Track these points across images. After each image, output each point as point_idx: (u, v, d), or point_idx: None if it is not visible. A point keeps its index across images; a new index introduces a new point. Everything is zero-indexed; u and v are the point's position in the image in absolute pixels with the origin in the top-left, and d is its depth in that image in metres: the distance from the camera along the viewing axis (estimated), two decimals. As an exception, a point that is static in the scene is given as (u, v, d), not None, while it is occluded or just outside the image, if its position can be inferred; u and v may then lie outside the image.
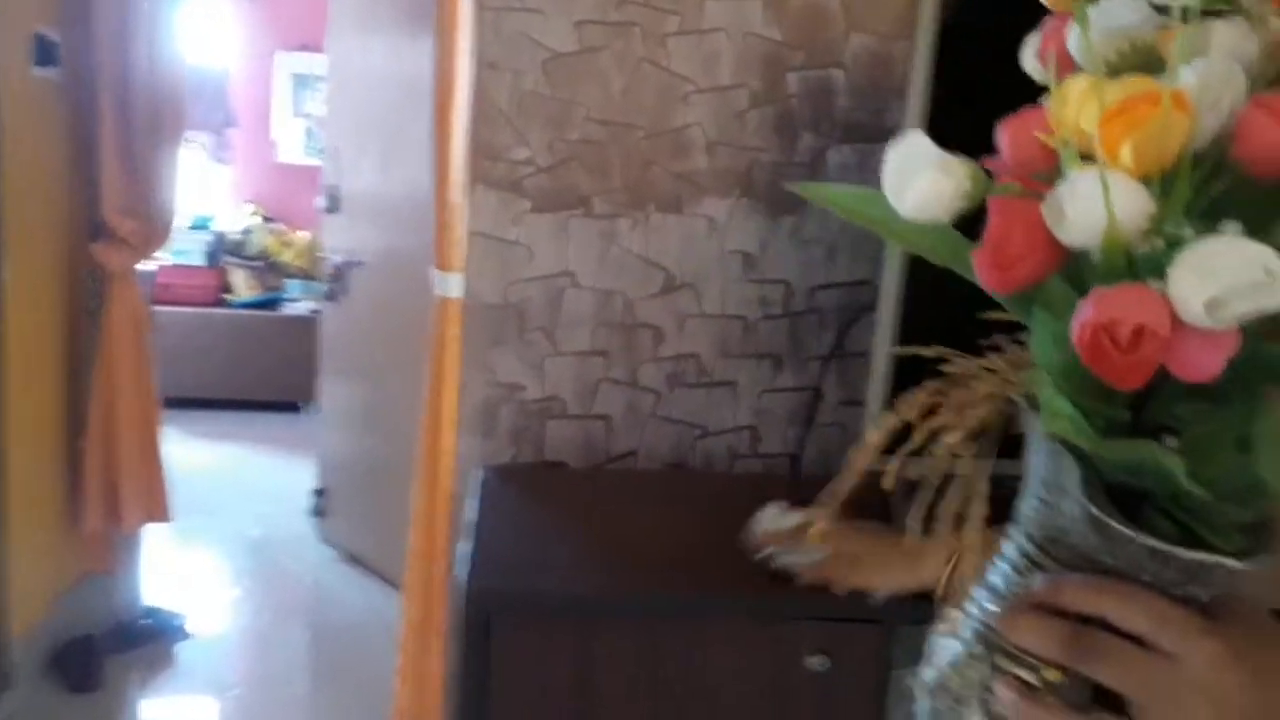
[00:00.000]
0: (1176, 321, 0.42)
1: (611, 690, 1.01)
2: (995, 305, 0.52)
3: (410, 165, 3.24)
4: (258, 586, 3.44)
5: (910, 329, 1.19)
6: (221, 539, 3.74)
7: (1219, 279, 0.41)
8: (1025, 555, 0.53)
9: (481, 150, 1.44)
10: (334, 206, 3.64)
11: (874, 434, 0.59)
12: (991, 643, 0.52)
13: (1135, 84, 0.44)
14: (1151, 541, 0.47)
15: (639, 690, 1.02)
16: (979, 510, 0.60)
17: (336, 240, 3.63)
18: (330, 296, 3.67)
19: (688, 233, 1.48)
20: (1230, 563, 0.48)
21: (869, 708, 1.04)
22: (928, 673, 0.56)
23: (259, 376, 5.01)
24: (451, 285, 2.57)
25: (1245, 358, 0.42)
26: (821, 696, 1.03)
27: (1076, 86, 0.46)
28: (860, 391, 1.55)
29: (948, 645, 0.56)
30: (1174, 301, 0.42)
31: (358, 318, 3.60)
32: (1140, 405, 0.47)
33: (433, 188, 2.47)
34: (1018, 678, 0.50)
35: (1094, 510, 0.48)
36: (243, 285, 5.22)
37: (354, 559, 3.58)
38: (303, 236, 5.36)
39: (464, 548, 1.11)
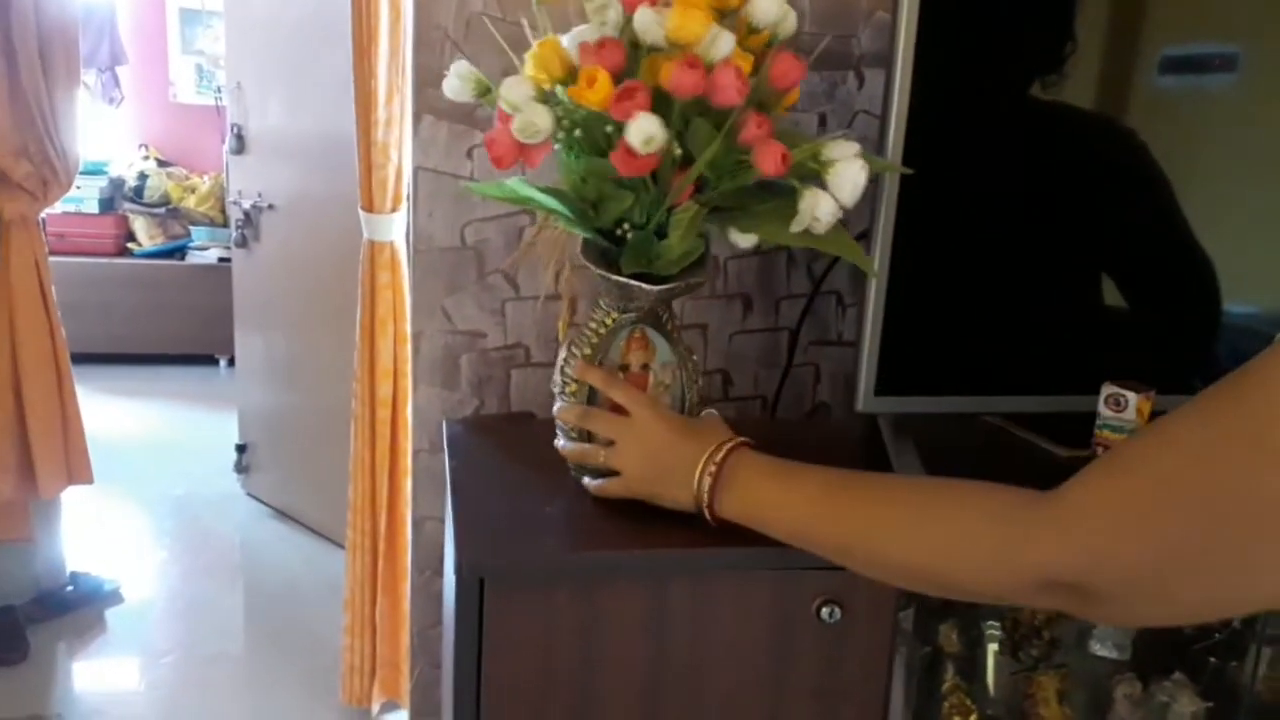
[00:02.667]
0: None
1: (614, 653, 0.96)
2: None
3: (322, 101, 3.06)
4: (185, 547, 3.31)
5: (901, 266, 1.15)
6: (144, 500, 3.57)
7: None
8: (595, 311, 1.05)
9: (427, 79, 1.33)
10: (240, 148, 3.44)
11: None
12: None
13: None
14: (606, 274, 0.99)
15: (643, 652, 0.97)
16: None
17: (244, 183, 3.44)
18: (240, 243, 3.49)
19: (652, 166, 1.40)
20: (646, 287, 0.98)
21: (880, 655, 1.01)
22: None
23: (170, 329, 4.78)
24: (380, 227, 2.45)
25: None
26: (833, 647, 0.99)
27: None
28: (830, 331, 1.51)
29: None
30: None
31: (273, 264, 3.43)
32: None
33: (350, 124, 2.35)
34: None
35: (587, 264, 1.00)
36: (144, 234, 4.94)
37: (283, 514, 3.46)
38: (205, 180, 5.08)
39: (448, 508, 1.04)
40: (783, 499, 0.87)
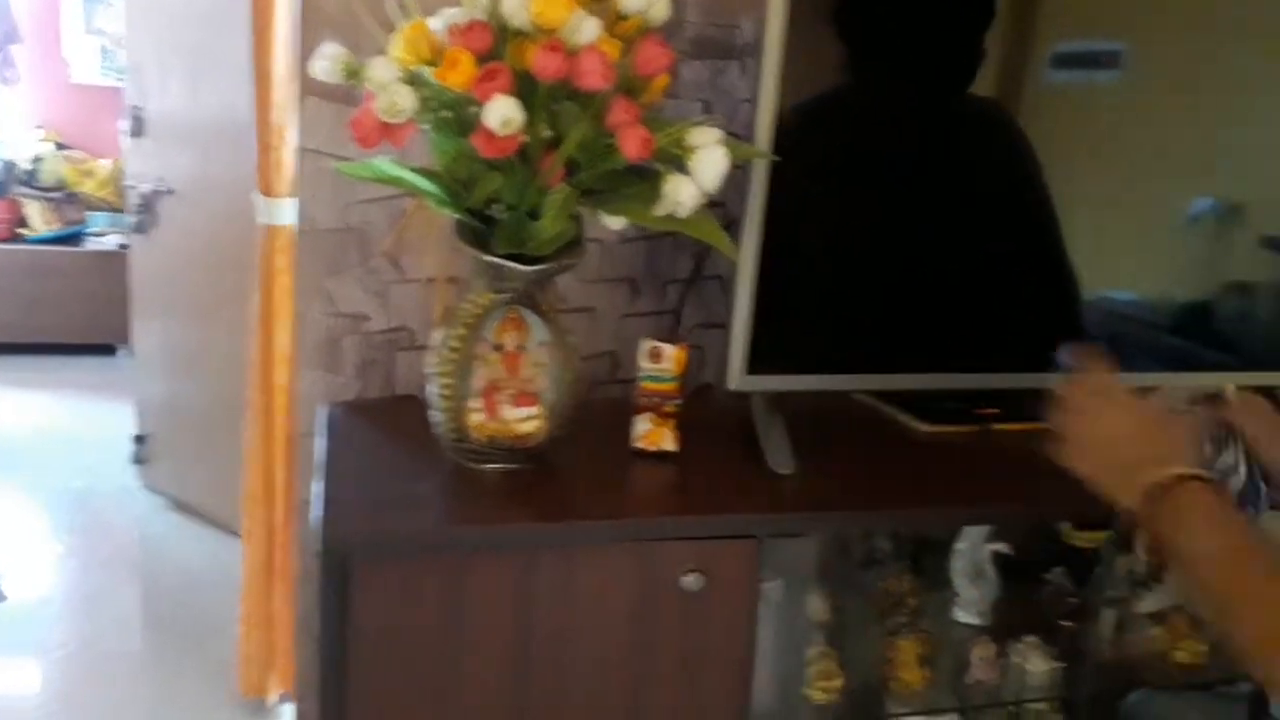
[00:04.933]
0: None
1: (480, 629, 0.98)
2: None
3: (223, 83, 2.99)
4: (82, 541, 3.21)
5: (771, 250, 1.19)
6: (39, 492, 3.46)
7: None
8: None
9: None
10: (139, 130, 3.34)
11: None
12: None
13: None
14: (478, 254, 1.03)
15: (508, 626, 0.99)
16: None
17: (143, 167, 3.35)
18: (139, 229, 3.40)
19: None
20: (519, 267, 1.02)
21: (743, 622, 1.05)
22: None
23: (66, 318, 4.62)
24: (278, 211, 2.42)
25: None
26: (697, 614, 1.03)
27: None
28: (716, 314, 1.55)
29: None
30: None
31: (171, 251, 3.35)
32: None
33: (252, 107, 2.31)
34: None
35: (461, 241, 1.03)
36: (39, 219, 4.77)
37: (182, 506, 3.39)
38: (104, 165, 4.93)
39: (315, 488, 1.04)
40: (1205, 546, 0.86)
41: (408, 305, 1.41)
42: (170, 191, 3.28)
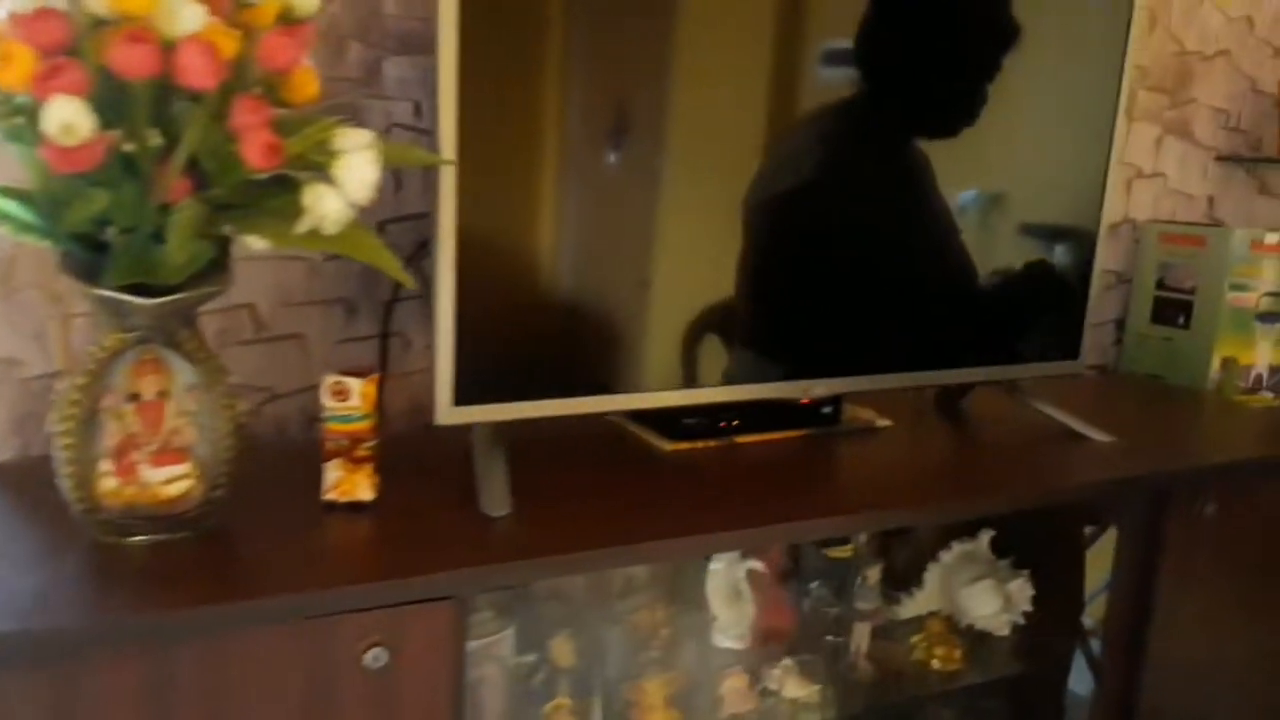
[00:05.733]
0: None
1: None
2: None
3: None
4: None
5: (470, 265, 1.06)
6: None
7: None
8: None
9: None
10: None
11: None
12: None
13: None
14: (88, 288, 0.86)
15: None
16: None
17: None
18: None
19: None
20: (138, 300, 0.86)
21: (441, 697, 0.91)
22: None
23: None
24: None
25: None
26: (384, 696, 0.89)
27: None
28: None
29: None
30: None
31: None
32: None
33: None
34: None
35: (66, 272, 0.87)
36: None
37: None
38: None
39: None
40: None
41: (75, 344, 1.21)
42: None
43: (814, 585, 1.39)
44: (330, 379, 1.02)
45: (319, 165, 0.84)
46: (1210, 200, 2.09)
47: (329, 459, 1.04)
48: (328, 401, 1.02)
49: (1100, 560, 1.42)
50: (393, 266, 0.90)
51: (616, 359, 1.19)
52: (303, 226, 0.83)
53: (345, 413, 1.02)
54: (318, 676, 0.87)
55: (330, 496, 1.04)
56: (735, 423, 1.34)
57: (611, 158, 1.13)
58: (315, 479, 1.06)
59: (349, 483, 1.04)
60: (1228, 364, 1.84)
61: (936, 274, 1.41)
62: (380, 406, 1.05)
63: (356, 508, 1.04)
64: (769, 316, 1.29)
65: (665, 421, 1.32)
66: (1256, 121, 2.08)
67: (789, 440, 1.38)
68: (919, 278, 1.39)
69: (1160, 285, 1.92)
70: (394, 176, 1.36)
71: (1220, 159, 2.06)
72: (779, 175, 1.24)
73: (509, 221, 1.10)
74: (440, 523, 1.02)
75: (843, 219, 1.32)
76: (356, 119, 1.32)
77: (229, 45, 0.80)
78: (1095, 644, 1.43)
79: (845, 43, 1.25)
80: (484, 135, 1.04)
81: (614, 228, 1.16)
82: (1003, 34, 1.36)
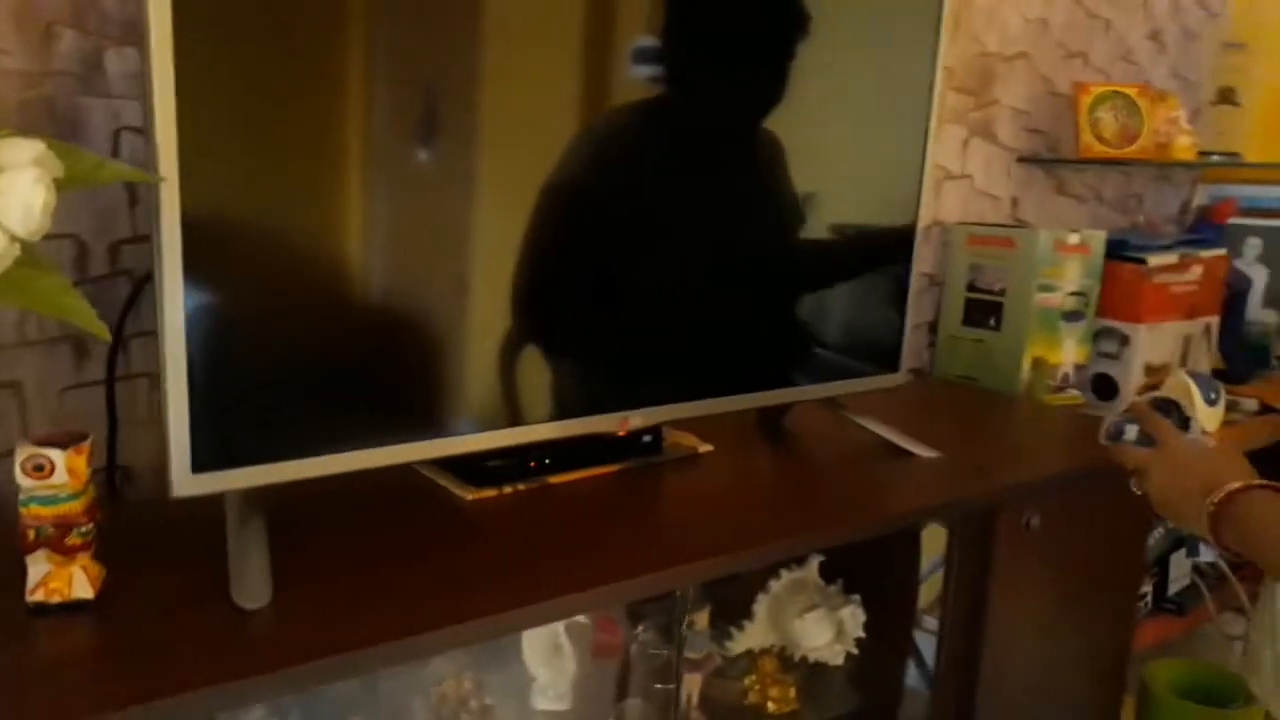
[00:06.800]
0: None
1: None
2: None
3: None
4: None
5: (207, 288, 0.87)
6: None
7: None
8: None
9: None
10: None
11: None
12: None
13: None
14: None
15: None
16: None
17: None
18: None
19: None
20: None
21: None
22: None
23: None
24: None
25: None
26: None
27: None
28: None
29: None
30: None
31: None
32: None
33: None
34: None
35: None
36: None
37: None
38: None
39: None
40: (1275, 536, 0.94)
41: None
42: None
43: (639, 630, 1.27)
44: (24, 451, 0.81)
45: (-25, 189, 0.64)
46: (1014, 201, 2.11)
47: (31, 550, 0.83)
48: (23, 480, 0.81)
49: (928, 585, 1.37)
50: (83, 314, 0.71)
51: (400, 400, 1.03)
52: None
53: (47, 493, 0.81)
54: None
55: (37, 597, 0.83)
56: (547, 461, 1.20)
57: (394, 156, 0.97)
58: (22, 573, 0.85)
59: (59, 578, 0.83)
60: (1037, 364, 1.85)
61: (753, 286, 1.32)
62: (110, 471, 0.85)
63: (73, 608, 0.84)
64: (579, 343, 1.16)
65: (466, 465, 1.16)
66: (1053, 123, 2.12)
67: (607, 476, 1.25)
68: (736, 291, 1.29)
69: (971, 287, 1.91)
70: (127, 189, 1.15)
71: (1022, 160, 2.08)
72: (573, 181, 1.10)
73: (250, 240, 0.91)
74: (182, 624, 0.83)
75: (649, 229, 1.20)
76: (72, 123, 1.10)
77: None
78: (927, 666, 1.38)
79: (650, 38, 1.13)
80: (219, 134, 0.85)
81: (393, 244, 0.99)
82: (791, 21, 1.26)
